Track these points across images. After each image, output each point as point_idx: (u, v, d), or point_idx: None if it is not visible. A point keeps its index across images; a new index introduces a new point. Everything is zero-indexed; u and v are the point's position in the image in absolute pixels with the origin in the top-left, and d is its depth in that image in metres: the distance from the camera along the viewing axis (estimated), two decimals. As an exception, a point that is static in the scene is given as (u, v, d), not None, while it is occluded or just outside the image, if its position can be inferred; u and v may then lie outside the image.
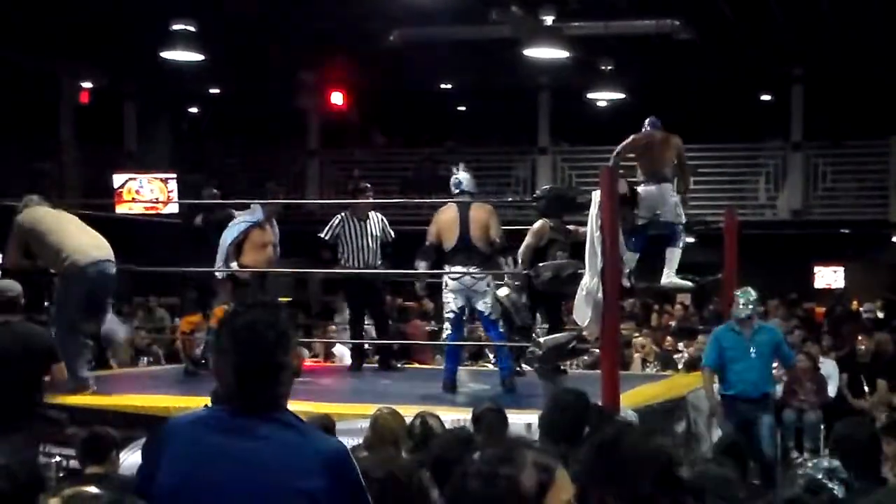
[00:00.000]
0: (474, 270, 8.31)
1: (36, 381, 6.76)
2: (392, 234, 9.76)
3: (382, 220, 9.79)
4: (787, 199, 19.30)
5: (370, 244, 9.68)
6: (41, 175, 9.47)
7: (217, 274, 9.52)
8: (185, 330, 10.64)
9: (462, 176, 8.67)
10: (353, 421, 6.30)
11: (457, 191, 8.67)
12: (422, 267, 8.73)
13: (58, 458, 6.97)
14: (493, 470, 2.20)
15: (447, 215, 8.55)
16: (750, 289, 8.98)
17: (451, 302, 8.42)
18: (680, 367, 12.08)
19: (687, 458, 7.37)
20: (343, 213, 9.91)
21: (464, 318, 8.66)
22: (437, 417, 5.67)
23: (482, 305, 8.35)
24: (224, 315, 3.05)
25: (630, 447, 2.62)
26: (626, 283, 7.60)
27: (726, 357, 8.78)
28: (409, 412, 5.96)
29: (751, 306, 8.87)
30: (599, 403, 6.35)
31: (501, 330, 8.43)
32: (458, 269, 8.35)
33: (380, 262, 9.64)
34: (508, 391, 8.24)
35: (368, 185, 10.35)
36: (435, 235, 8.55)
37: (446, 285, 8.49)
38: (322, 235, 9.93)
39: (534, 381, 8.06)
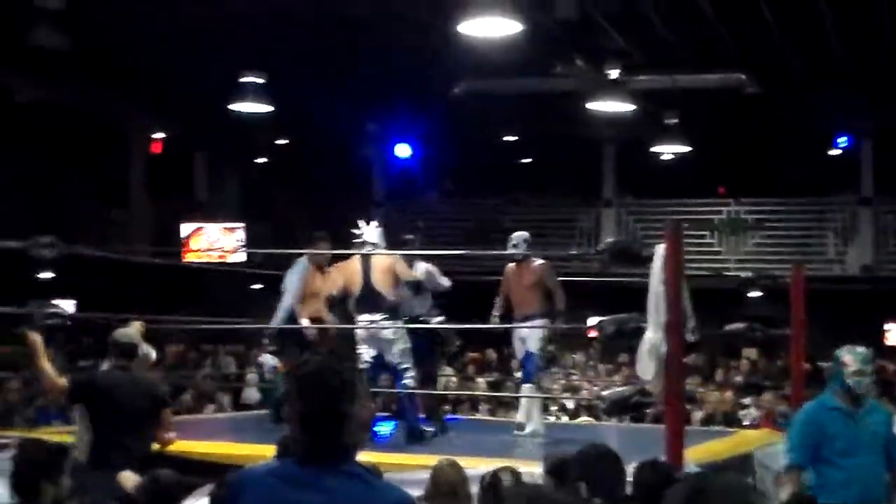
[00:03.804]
0: (380, 318, 8.45)
1: (151, 426, 6.89)
2: (444, 283, 9.68)
3: (428, 270, 9.74)
4: (856, 255, 19.06)
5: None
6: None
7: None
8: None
9: (364, 229, 8.82)
10: (414, 472, 6.29)
11: (359, 241, 8.80)
12: (330, 317, 8.98)
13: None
14: None
15: (351, 266, 8.70)
16: (862, 348, 6.17)
17: (364, 353, 8.50)
18: (745, 423, 11.93)
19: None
20: None
21: (380, 367, 8.69)
22: (512, 471, 5.59)
23: (390, 356, 8.50)
24: (292, 364, 3.10)
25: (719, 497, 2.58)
26: (690, 337, 7.53)
27: (829, 448, 6.09)
28: (469, 464, 5.94)
29: (869, 374, 6.13)
30: (663, 458, 6.28)
31: (408, 381, 8.53)
32: (366, 317, 8.46)
33: (424, 312, 9.59)
34: (415, 441, 8.31)
35: (412, 237, 10.41)
36: (341, 286, 8.70)
37: (357, 336, 8.60)
38: None
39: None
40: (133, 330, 7.30)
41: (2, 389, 10.68)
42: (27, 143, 18.07)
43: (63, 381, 6.91)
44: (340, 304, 8.87)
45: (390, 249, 8.99)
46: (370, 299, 8.52)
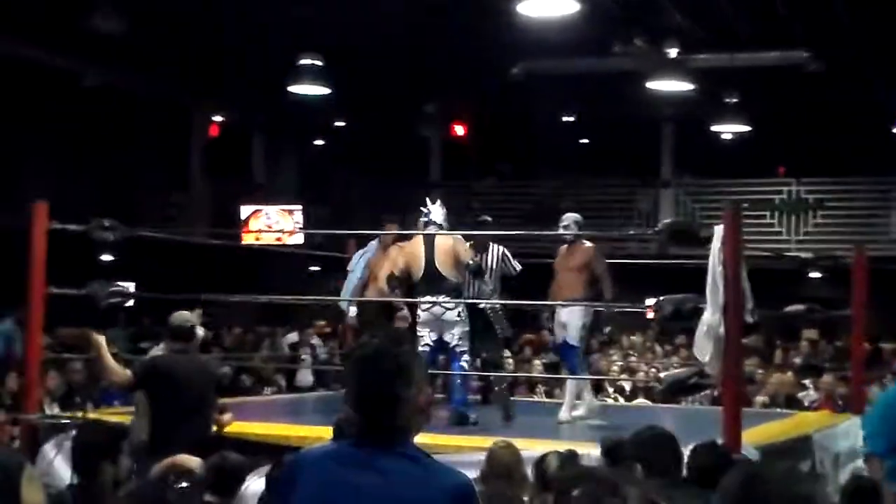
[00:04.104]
0: (443, 300, 8.36)
1: (211, 409, 6.92)
2: (516, 267, 9.68)
3: (504, 253, 9.76)
4: (920, 234, 18.81)
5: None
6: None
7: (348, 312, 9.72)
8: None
9: (431, 208, 8.77)
10: (470, 454, 6.31)
11: (425, 220, 8.76)
12: (395, 296, 8.80)
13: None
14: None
15: (414, 247, 8.62)
16: None
17: (425, 336, 8.39)
18: (805, 405, 11.82)
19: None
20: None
21: (438, 350, 8.60)
22: (569, 453, 5.59)
23: (449, 336, 8.41)
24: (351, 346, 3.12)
25: (776, 490, 2.54)
26: (748, 318, 7.46)
27: None
28: (525, 446, 5.95)
29: None
30: (720, 441, 6.24)
31: (464, 363, 8.47)
32: (428, 299, 8.40)
33: (495, 296, 9.58)
34: (459, 424, 8.18)
35: (489, 219, 10.37)
36: (403, 266, 8.62)
37: (419, 318, 8.51)
38: None
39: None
40: (189, 313, 7.31)
41: (65, 370, 10.83)
42: (91, 128, 18.32)
43: (127, 373, 6.96)
44: (402, 284, 8.81)
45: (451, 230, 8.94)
46: (433, 280, 8.44)
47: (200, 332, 7.79)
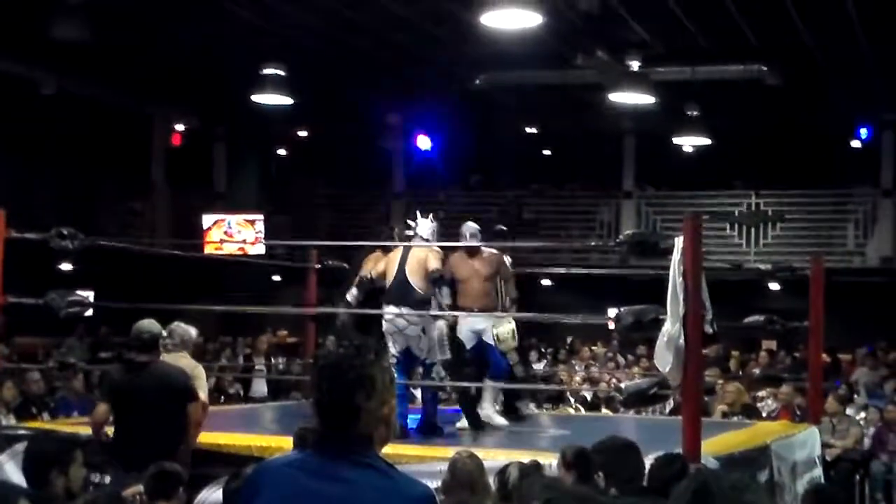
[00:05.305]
0: (407, 312, 8.39)
1: (177, 421, 6.72)
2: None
3: (510, 262, 9.76)
4: (876, 246, 18.98)
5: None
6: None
7: None
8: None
9: (418, 222, 8.86)
10: (432, 463, 6.32)
11: (410, 233, 8.84)
12: (352, 296, 8.80)
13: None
14: None
15: (394, 254, 8.71)
16: None
17: (390, 346, 8.37)
18: (764, 415, 11.91)
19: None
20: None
21: (409, 361, 8.59)
22: (534, 464, 5.60)
23: (417, 351, 8.50)
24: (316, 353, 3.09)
25: (725, 500, 2.57)
26: (708, 329, 7.51)
27: None
28: (488, 456, 5.96)
29: None
30: (679, 451, 6.29)
31: (434, 375, 8.55)
32: (392, 309, 8.43)
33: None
34: (430, 435, 8.28)
35: (504, 228, 10.41)
36: (379, 272, 8.68)
37: (383, 328, 8.54)
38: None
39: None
40: (151, 321, 7.14)
41: (23, 380, 10.71)
42: (51, 136, 18.18)
43: (105, 407, 6.87)
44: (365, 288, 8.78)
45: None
46: (401, 290, 8.44)
47: (191, 331, 7.64)
